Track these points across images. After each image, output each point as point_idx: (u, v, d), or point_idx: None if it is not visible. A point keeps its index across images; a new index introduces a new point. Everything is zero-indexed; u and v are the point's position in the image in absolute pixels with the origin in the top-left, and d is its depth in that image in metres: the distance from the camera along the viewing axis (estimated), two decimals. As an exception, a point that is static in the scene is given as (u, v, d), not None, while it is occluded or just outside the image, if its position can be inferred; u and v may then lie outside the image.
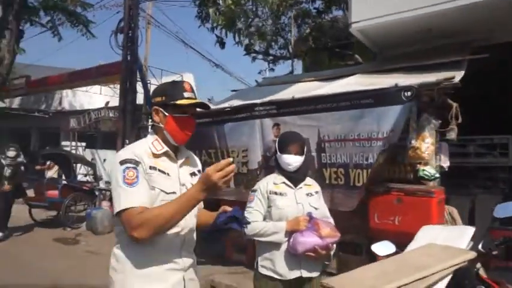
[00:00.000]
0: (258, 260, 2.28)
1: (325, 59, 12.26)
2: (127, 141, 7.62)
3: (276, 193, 2.27)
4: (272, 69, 14.95)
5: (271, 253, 2.20)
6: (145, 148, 1.57)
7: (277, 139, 2.39)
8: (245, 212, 2.29)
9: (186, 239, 1.63)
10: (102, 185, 7.92)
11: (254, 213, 2.26)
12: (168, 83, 1.69)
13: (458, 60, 4.38)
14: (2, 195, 6.55)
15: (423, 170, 3.95)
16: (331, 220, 2.35)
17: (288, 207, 2.21)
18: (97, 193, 7.73)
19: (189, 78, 15.99)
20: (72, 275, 4.58)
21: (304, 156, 2.27)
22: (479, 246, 2.05)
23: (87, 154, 11.38)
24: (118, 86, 9.33)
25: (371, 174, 3.37)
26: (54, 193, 7.06)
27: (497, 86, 6.41)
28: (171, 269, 1.57)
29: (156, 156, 1.58)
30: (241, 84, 15.46)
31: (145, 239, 1.43)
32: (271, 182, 2.32)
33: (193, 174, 1.72)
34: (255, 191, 2.34)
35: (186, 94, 1.56)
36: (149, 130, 1.68)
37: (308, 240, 2.04)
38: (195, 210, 1.70)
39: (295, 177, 2.30)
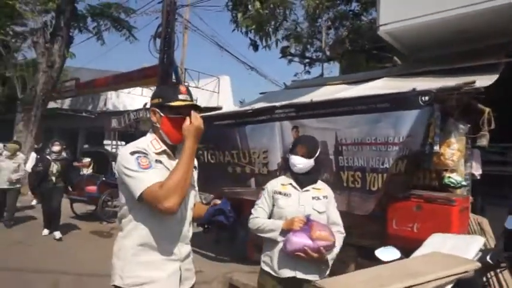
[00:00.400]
0: (262, 256, 2.36)
1: (363, 61, 12.04)
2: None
3: (280, 193, 2.33)
4: (308, 72, 14.93)
5: (272, 250, 2.27)
6: (146, 146, 1.69)
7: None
8: (253, 208, 2.42)
9: (183, 230, 1.73)
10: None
11: (258, 209, 2.36)
12: (165, 86, 1.81)
13: (494, 63, 4.16)
14: (53, 193, 6.33)
15: (449, 177, 3.79)
16: (340, 227, 2.34)
17: (289, 208, 2.25)
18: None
19: (225, 80, 16.35)
20: (105, 265, 4.89)
21: (312, 159, 2.30)
22: (487, 258, 1.97)
23: (127, 153, 11.95)
24: (156, 88, 9.76)
25: (387, 179, 3.29)
26: (92, 188, 7.53)
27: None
28: (169, 259, 1.67)
29: (155, 154, 1.69)
30: (275, 86, 15.54)
31: (178, 205, 1.54)
32: (280, 182, 2.40)
33: None
34: (264, 189, 2.44)
35: (181, 96, 1.66)
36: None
37: (298, 240, 2.07)
38: (191, 204, 1.80)
39: (303, 179, 2.33)
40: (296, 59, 14.94)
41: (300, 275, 2.17)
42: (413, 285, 1.68)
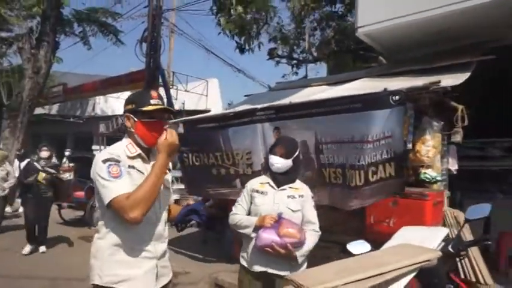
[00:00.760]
0: (241, 252, 2.47)
1: (349, 61, 12.20)
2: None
3: (258, 191, 2.44)
4: (296, 73, 15.05)
5: (248, 246, 2.38)
6: (121, 151, 1.77)
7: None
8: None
9: (158, 230, 1.81)
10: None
11: (238, 207, 2.48)
12: (137, 92, 1.90)
13: (468, 62, 4.32)
14: (40, 204, 5.87)
15: (424, 173, 3.94)
16: (315, 226, 2.43)
17: (263, 206, 2.35)
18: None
19: (214, 83, 16.43)
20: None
21: (290, 160, 2.40)
22: (449, 247, 2.08)
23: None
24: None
25: (382, 187, 3.39)
26: (80, 194, 7.54)
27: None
28: (145, 257, 1.75)
29: (130, 158, 1.77)
30: (263, 88, 15.65)
31: (141, 216, 1.62)
32: (259, 181, 2.50)
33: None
34: (244, 188, 2.55)
35: (152, 101, 1.75)
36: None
37: (267, 236, 2.17)
38: (166, 205, 1.88)
39: (280, 179, 2.43)
40: (283, 60, 15.08)
41: (271, 270, 2.27)
42: (377, 274, 1.78)
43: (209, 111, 11.82)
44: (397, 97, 2.93)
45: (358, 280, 1.73)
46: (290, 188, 2.41)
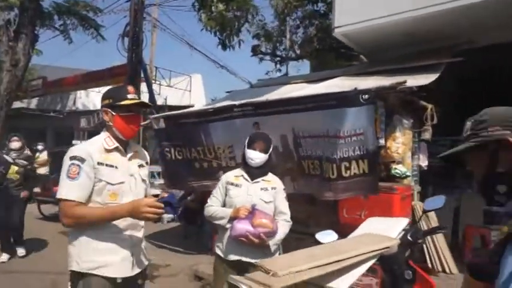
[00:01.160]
0: (216, 242, 2.59)
1: (332, 59, 12.39)
2: (130, 140, 8.00)
3: (232, 184, 2.55)
4: (279, 70, 15.17)
5: (223, 236, 2.49)
6: (98, 144, 1.86)
7: (248, 137, 2.64)
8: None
9: (133, 220, 1.90)
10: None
11: (213, 199, 2.60)
12: (114, 88, 1.99)
13: (438, 63, 4.54)
14: (13, 204, 5.13)
15: (395, 168, 4.13)
16: (287, 216, 2.56)
17: (238, 198, 2.47)
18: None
19: (197, 78, 16.41)
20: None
21: (267, 154, 2.52)
22: (408, 236, 2.25)
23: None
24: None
25: (357, 183, 3.54)
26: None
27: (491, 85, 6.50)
28: (121, 245, 1.85)
29: (108, 151, 1.86)
30: (247, 84, 15.74)
31: (69, 227, 1.81)
32: (234, 174, 2.62)
33: (141, 166, 2.00)
34: (219, 181, 2.66)
35: (129, 96, 1.85)
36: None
37: (241, 226, 2.30)
38: (142, 196, 1.97)
39: (254, 172, 2.55)
40: (267, 57, 15.18)
41: (245, 258, 2.40)
42: (339, 260, 1.93)
43: (193, 106, 11.86)
44: (366, 96, 3.09)
45: (322, 265, 1.88)
46: (263, 180, 2.54)
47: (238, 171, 2.61)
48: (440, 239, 4.34)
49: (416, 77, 4.21)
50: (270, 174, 2.62)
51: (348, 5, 4.95)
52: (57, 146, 13.36)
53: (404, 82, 3.14)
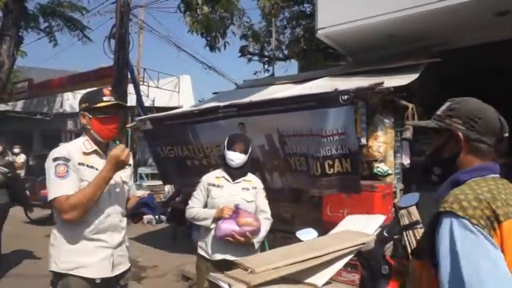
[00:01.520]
0: (198, 242, 2.62)
1: (320, 59, 12.50)
2: (117, 142, 7.98)
3: (214, 185, 2.60)
4: (267, 70, 15.24)
5: (206, 237, 2.54)
6: (77, 147, 1.89)
7: (227, 138, 2.68)
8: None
9: (114, 221, 1.94)
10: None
11: (194, 200, 2.63)
12: (91, 91, 2.03)
13: (419, 64, 4.65)
14: None
15: (377, 167, 4.23)
16: (268, 214, 2.63)
17: (220, 198, 2.52)
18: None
19: (186, 80, 16.37)
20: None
21: (247, 155, 2.59)
22: (384, 232, 2.33)
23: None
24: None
25: (339, 181, 3.62)
26: (46, 192, 7.39)
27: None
28: (100, 246, 1.88)
29: (86, 154, 1.89)
30: (235, 85, 15.77)
31: (77, 219, 1.77)
32: (214, 175, 2.67)
33: None
34: (200, 182, 2.69)
35: (105, 98, 1.89)
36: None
37: (227, 226, 2.35)
38: (122, 198, 2.01)
39: (235, 173, 2.61)
40: (255, 57, 15.24)
41: (229, 257, 2.44)
42: (317, 256, 2.00)
43: (181, 107, 11.84)
44: (345, 97, 3.18)
45: (300, 262, 1.94)
46: (244, 180, 2.61)
47: (219, 172, 2.66)
48: (422, 234, 4.44)
49: (396, 78, 4.32)
50: (249, 174, 2.69)
51: (330, 6, 5.04)
52: (44, 149, 13.22)
53: (382, 83, 3.23)
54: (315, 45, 12.47)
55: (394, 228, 2.34)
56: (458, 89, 6.42)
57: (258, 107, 3.95)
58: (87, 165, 1.86)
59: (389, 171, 4.21)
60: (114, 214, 1.93)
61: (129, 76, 9.39)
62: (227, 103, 4.18)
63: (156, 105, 13.18)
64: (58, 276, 1.83)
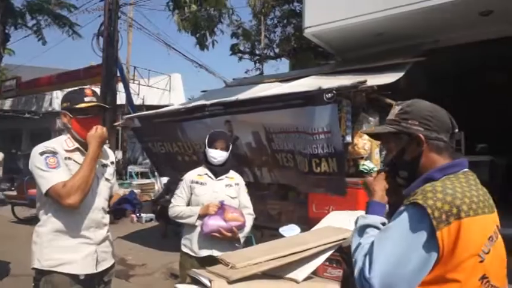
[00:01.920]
0: (182, 240, 2.63)
1: (310, 58, 12.55)
2: (107, 140, 7.95)
3: (197, 182, 2.63)
4: (258, 69, 15.25)
5: (191, 234, 2.56)
6: (58, 144, 1.90)
7: (207, 136, 2.70)
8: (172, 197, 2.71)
9: (97, 217, 1.94)
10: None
11: (177, 198, 2.65)
12: (72, 91, 2.03)
13: (404, 63, 4.71)
14: None
15: (363, 164, 4.27)
16: (250, 210, 2.68)
17: (204, 195, 2.55)
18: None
19: (177, 78, 16.33)
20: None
21: (228, 152, 2.61)
22: (365, 227, 2.38)
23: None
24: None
25: (327, 181, 3.67)
26: (34, 191, 7.34)
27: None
28: (83, 243, 1.89)
29: (69, 151, 1.90)
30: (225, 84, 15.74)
31: (78, 202, 1.77)
32: (197, 173, 2.69)
33: (104, 165, 2.04)
34: (182, 180, 2.70)
35: (86, 99, 1.89)
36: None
37: (214, 223, 2.38)
38: (105, 194, 2.02)
39: (217, 170, 2.64)
40: (246, 56, 15.24)
41: (215, 253, 2.46)
42: (298, 252, 2.03)
43: (172, 106, 11.80)
44: (329, 95, 3.22)
45: (280, 257, 1.97)
46: (227, 177, 2.64)
47: (201, 170, 2.68)
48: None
49: (381, 76, 4.36)
50: (231, 171, 2.72)
51: (318, 5, 5.08)
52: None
53: (365, 81, 3.28)
54: (306, 43, 12.51)
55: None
56: (446, 89, 6.54)
57: (244, 105, 3.98)
58: (74, 160, 1.87)
59: (375, 169, 4.25)
60: (96, 211, 1.94)
61: (118, 74, 9.34)
62: (214, 101, 4.20)
63: (147, 103, 13.13)
64: (41, 274, 1.83)
